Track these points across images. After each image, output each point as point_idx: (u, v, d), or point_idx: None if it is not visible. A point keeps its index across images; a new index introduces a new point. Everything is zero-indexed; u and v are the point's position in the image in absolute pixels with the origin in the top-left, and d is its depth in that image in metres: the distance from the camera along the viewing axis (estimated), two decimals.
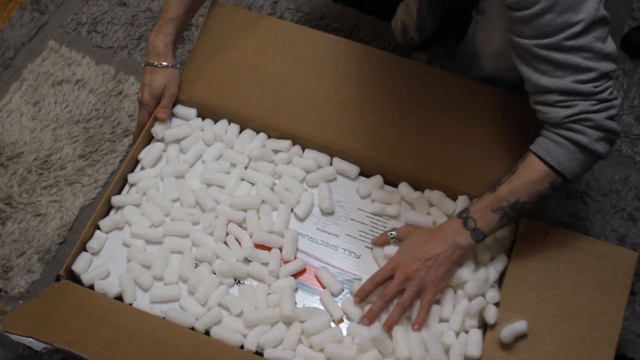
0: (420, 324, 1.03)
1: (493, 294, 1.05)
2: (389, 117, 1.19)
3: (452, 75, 1.21)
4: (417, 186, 1.18)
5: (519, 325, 1.01)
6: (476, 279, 1.05)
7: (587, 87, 0.92)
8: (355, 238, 1.15)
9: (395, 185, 1.20)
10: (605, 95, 0.94)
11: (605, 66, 0.92)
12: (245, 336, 1.05)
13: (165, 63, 1.20)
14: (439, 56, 1.44)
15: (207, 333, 1.06)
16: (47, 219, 1.33)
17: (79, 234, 1.16)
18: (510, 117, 1.17)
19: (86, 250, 1.12)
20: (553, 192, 1.00)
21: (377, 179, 1.19)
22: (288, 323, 1.07)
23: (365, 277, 1.10)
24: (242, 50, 1.25)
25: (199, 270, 1.10)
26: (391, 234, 1.10)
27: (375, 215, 1.17)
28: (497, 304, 1.05)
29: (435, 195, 1.16)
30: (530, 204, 1.00)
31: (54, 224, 1.32)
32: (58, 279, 1.10)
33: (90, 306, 1.06)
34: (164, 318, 1.06)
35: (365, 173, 1.21)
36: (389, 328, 1.03)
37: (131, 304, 1.08)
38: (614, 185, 1.34)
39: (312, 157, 1.21)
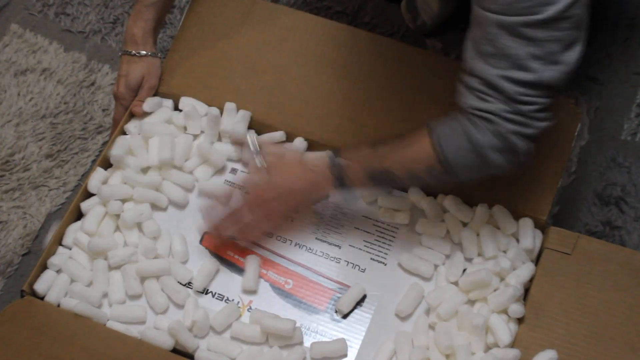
0: (243, 238, 1.11)
1: (517, 308, 1.03)
2: (397, 113, 1.18)
3: None
4: (429, 190, 1.16)
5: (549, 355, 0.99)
6: (500, 292, 1.04)
7: (512, 89, 0.90)
8: (360, 249, 1.13)
9: (404, 189, 1.17)
10: (527, 109, 0.91)
11: (550, 75, 0.89)
12: None
13: (144, 52, 1.19)
14: (455, 44, 1.43)
15: (191, 357, 1.04)
16: (8, 227, 1.33)
17: (44, 245, 1.18)
18: None
19: (48, 268, 1.11)
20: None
21: None
22: (290, 344, 1.05)
23: (372, 294, 1.09)
24: (233, 37, 1.25)
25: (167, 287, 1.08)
26: (260, 162, 1.11)
27: (383, 223, 1.15)
28: (520, 319, 1.04)
29: (449, 201, 1.13)
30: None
31: (16, 232, 1.33)
32: (22, 295, 1.08)
33: (59, 326, 1.04)
34: (140, 339, 1.04)
35: None
36: (217, 232, 1.10)
37: (104, 325, 1.06)
38: None
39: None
